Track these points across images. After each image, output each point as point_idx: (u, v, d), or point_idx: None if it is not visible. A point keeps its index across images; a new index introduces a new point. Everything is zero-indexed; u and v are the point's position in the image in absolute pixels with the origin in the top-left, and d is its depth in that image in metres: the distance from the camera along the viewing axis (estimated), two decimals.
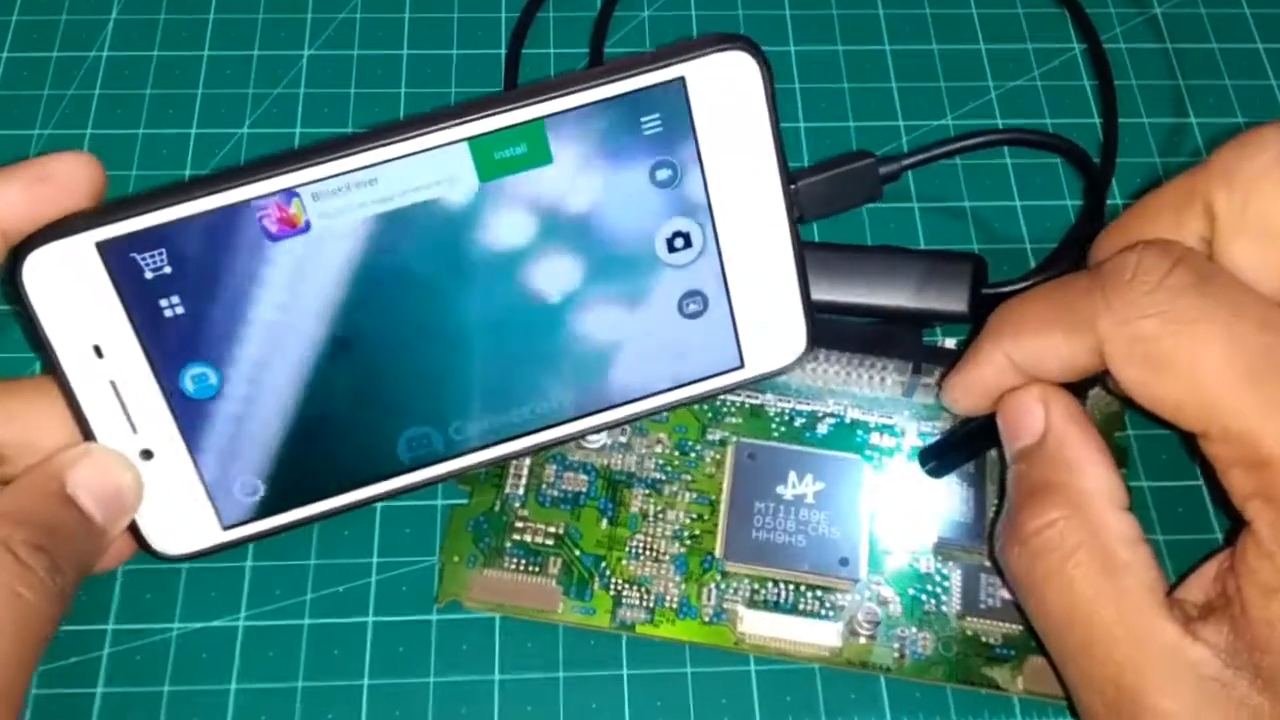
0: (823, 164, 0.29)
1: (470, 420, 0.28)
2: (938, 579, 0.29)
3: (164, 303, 0.25)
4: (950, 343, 0.31)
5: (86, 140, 0.36)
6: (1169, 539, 0.30)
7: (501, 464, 0.29)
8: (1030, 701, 0.28)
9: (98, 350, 0.25)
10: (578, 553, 0.29)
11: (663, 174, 0.26)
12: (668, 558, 0.29)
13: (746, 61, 0.26)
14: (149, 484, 0.27)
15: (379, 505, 0.30)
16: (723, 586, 0.29)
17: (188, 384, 0.26)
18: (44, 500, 0.25)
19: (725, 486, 0.30)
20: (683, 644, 0.28)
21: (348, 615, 0.29)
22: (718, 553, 0.29)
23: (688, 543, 0.29)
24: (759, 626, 0.28)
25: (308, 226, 0.25)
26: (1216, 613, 0.24)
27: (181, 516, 0.27)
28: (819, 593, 0.29)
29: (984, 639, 0.28)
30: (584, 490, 0.30)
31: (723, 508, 0.30)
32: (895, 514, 0.30)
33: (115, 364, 0.25)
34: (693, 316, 0.28)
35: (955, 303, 0.31)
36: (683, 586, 0.29)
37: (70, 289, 0.25)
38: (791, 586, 0.29)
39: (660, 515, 0.30)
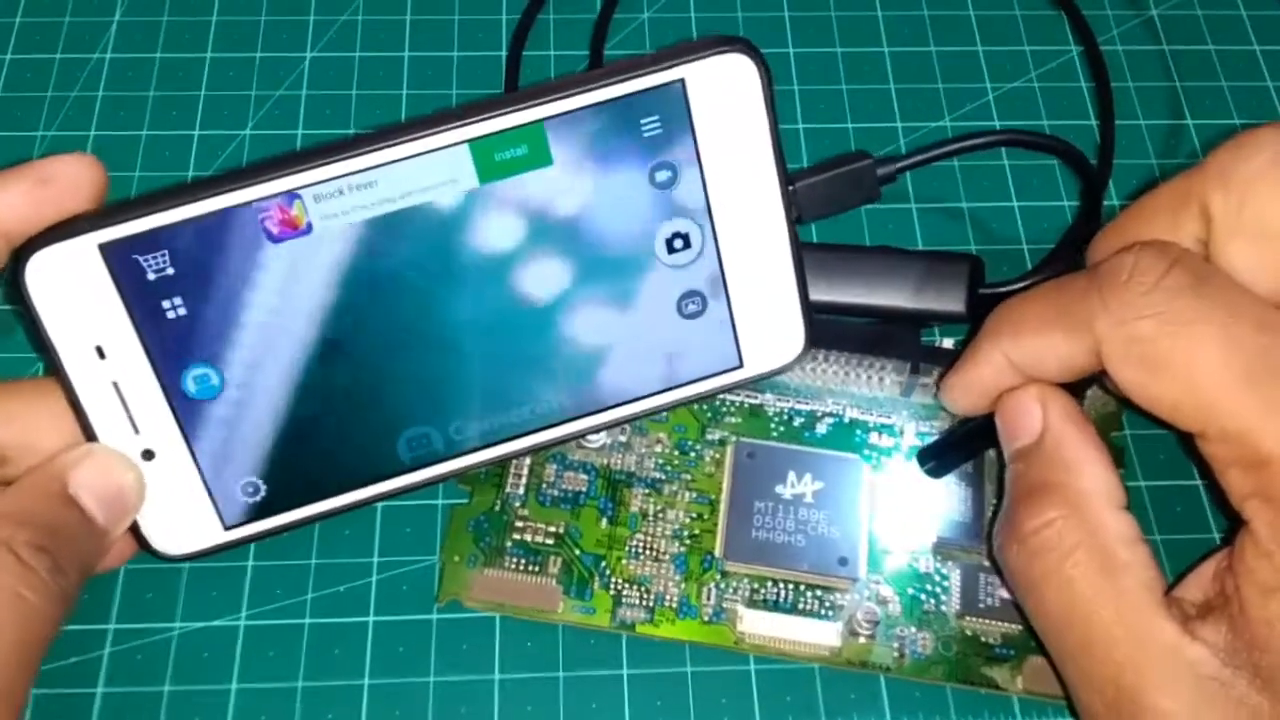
0: (821, 165, 0.29)
1: (470, 420, 0.28)
2: (937, 578, 0.29)
3: (166, 304, 0.25)
4: (948, 342, 0.31)
5: (90, 142, 0.36)
6: (1166, 539, 0.30)
7: (502, 464, 0.30)
8: (1030, 701, 0.28)
9: (100, 351, 0.25)
10: (578, 552, 0.29)
11: (662, 175, 0.26)
12: (667, 557, 0.29)
13: (745, 64, 0.26)
14: (150, 484, 0.27)
15: (379, 505, 0.30)
16: (722, 586, 0.29)
17: (189, 385, 0.26)
18: (46, 501, 0.25)
19: (725, 486, 0.30)
20: (682, 643, 0.29)
21: (348, 615, 0.29)
22: (717, 552, 0.29)
23: (687, 542, 0.29)
24: (758, 626, 0.28)
25: (309, 228, 0.25)
26: (1215, 612, 0.24)
27: (183, 517, 0.27)
28: (818, 592, 0.29)
29: (983, 638, 0.28)
30: (584, 490, 0.30)
31: (722, 507, 0.30)
32: (894, 514, 0.30)
33: (117, 365, 0.26)
34: (692, 317, 0.28)
35: (953, 303, 0.31)
36: (682, 586, 0.29)
37: (73, 290, 0.25)
38: (791, 586, 0.29)
39: (660, 515, 0.30)
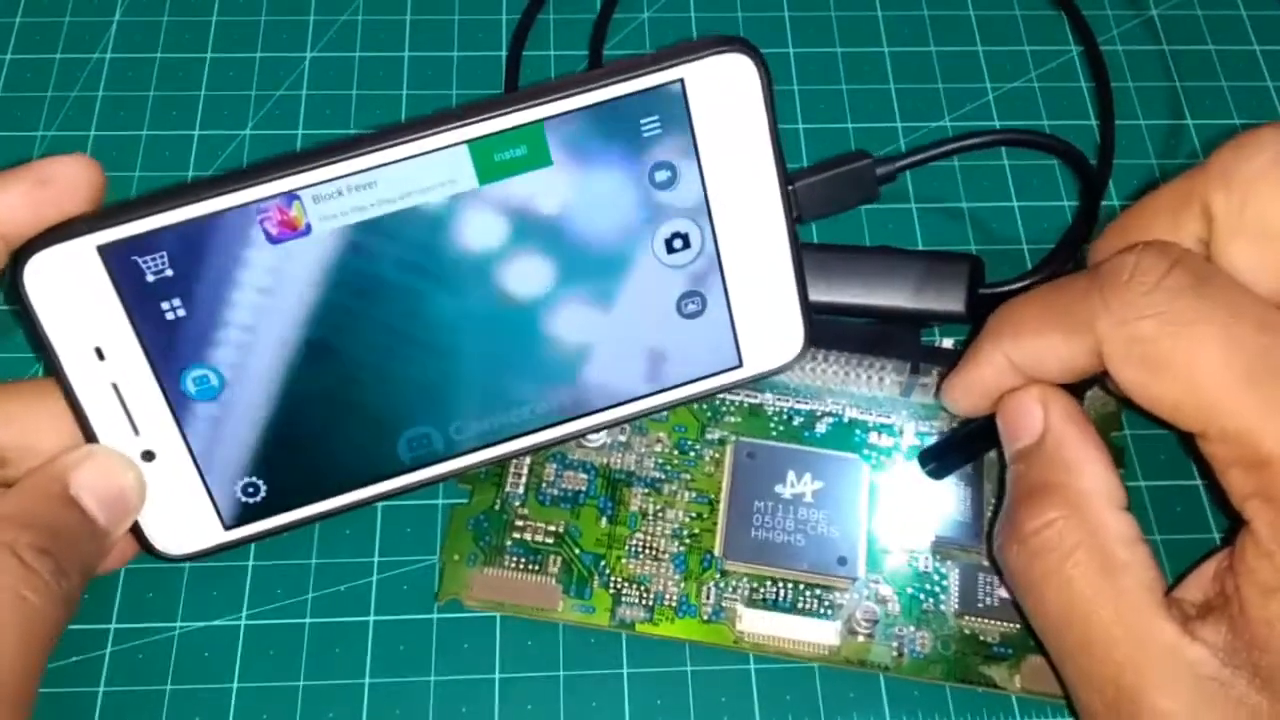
0: (820, 165, 0.29)
1: (470, 420, 0.28)
2: (936, 578, 0.29)
3: (165, 305, 0.25)
4: (948, 343, 0.31)
5: (90, 142, 0.36)
6: (1166, 539, 0.30)
7: (502, 463, 0.30)
8: (1029, 700, 0.28)
9: (99, 353, 0.25)
10: (577, 551, 0.29)
11: (661, 175, 0.26)
12: (667, 556, 0.29)
13: (745, 63, 0.26)
14: (151, 485, 0.27)
15: (380, 505, 0.30)
16: (722, 585, 0.29)
17: (189, 386, 0.26)
18: (47, 502, 0.25)
19: (724, 485, 0.30)
20: (682, 642, 0.29)
21: (349, 614, 0.29)
22: (717, 551, 0.29)
23: (687, 541, 0.29)
24: (758, 625, 0.28)
25: (309, 229, 0.25)
26: (1215, 612, 0.24)
27: (183, 517, 0.27)
28: (817, 591, 0.29)
29: (982, 638, 0.28)
30: (584, 489, 0.30)
31: (722, 507, 0.30)
32: (893, 513, 0.30)
33: (117, 366, 0.26)
34: (691, 317, 0.28)
35: (952, 303, 0.31)
36: (682, 585, 0.29)
37: (72, 292, 0.25)
38: (790, 585, 0.29)
39: (660, 514, 0.30)
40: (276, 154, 0.25)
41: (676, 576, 0.29)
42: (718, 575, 0.29)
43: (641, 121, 0.26)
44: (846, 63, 0.39)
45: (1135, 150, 0.37)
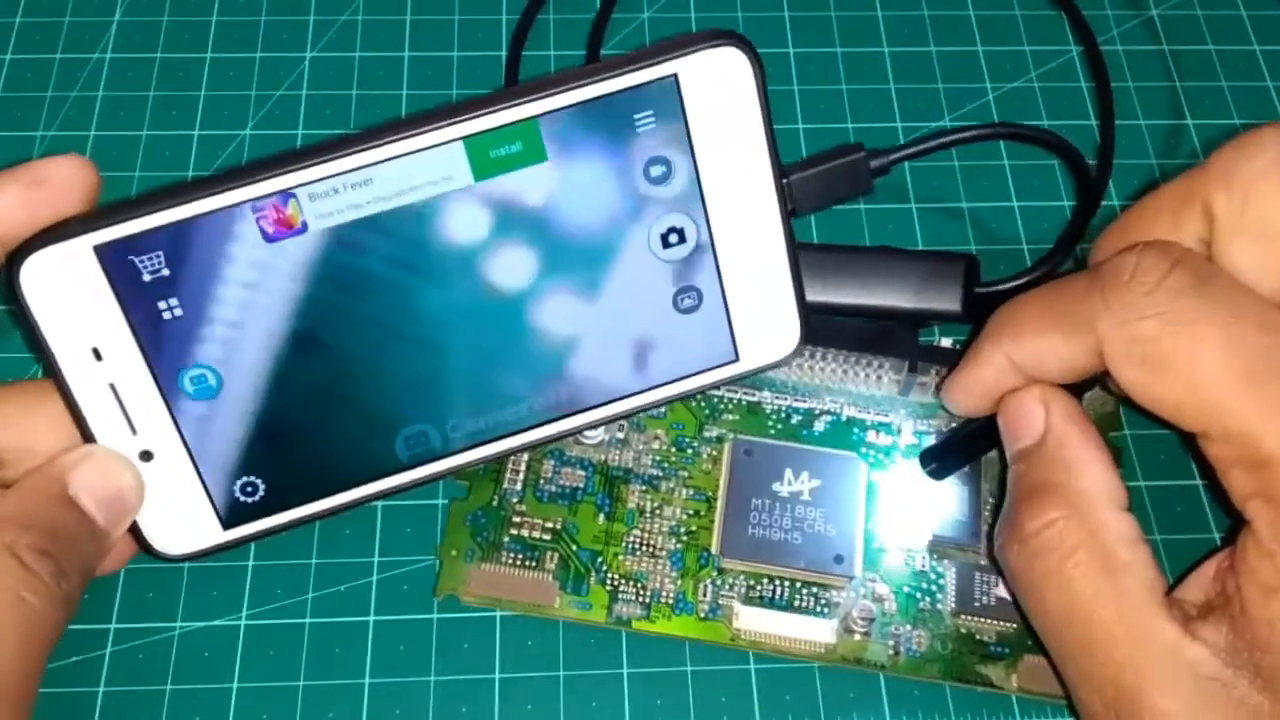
0: (814, 158, 0.29)
1: (467, 417, 0.28)
2: (933, 577, 0.29)
3: (162, 305, 0.25)
4: (946, 341, 0.31)
5: (90, 142, 0.36)
6: (1166, 539, 0.30)
7: (499, 460, 0.30)
8: (1029, 700, 0.28)
9: (96, 353, 0.25)
10: (575, 548, 0.29)
11: (656, 170, 0.26)
12: (664, 553, 0.29)
13: (738, 57, 0.26)
14: (149, 485, 0.27)
15: (380, 504, 0.30)
16: (718, 583, 0.29)
17: (187, 385, 0.26)
18: (46, 503, 0.25)
19: (722, 483, 0.30)
20: (678, 639, 0.29)
21: (349, 614, 0.29)
22: (714, 549, 0.29)
23: (684, 539, 0.29)
24: (754, 623, 0.28)
25: (304, 227, 0.25)
26: (1216, 612, 0.24)
27: (182, 517, 0.27)
28: (814, 589, 0.29)
29: (978, 637, 0.28)
30: (581, 486, 0.30)
31: (719, 504, 0.30)
32: (891, 512, 0.30)
33: (114, 366, 0.26)
34: (688, 311, 0.28)
35: (949, 302, 0.31)
36: (679, 582, 0.29)
37: (68, 292, 0.25)
38: (787, 583, 0.29)
39: (657, 511, 0.30)
40: (272, 152, 0.25)
41: (673, 574, 0.29)
42: (714, 573, 0.29)
43: (636, 116, 0.26)
44: (846, 63, 0.39)
45: (1135, 150, 0.37)
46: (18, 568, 0.24)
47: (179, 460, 0.27)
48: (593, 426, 0.29)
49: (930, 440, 0.31)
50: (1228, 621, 0.24)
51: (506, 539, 0.29)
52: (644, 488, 0.30)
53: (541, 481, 0.30)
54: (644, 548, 0.29)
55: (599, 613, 0.29)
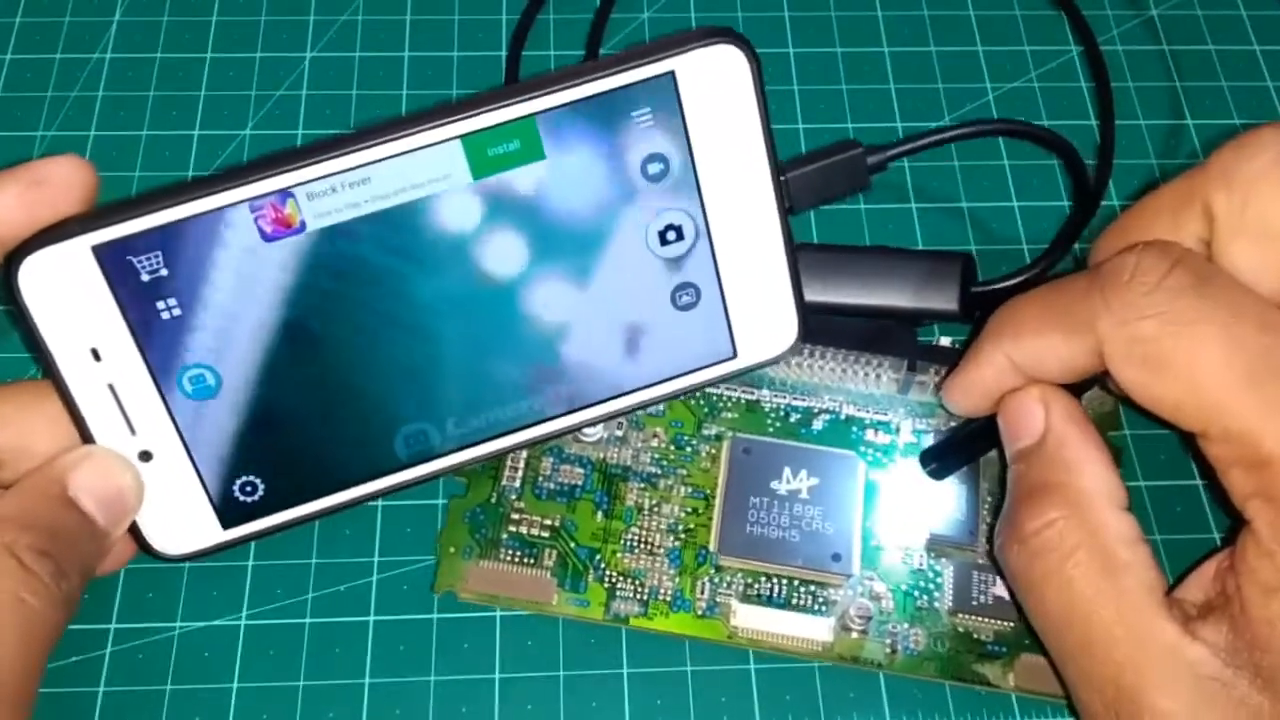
0: (811, 154, 0.29)
1: (466, 416, 0.28)
2: (930, 575, 0.29)
3: (160, 305, 0.25)
4: (945, 341, 0.31)
5: (90, 142, 0.36)
6: (1166, 539, 0.30)
7: (498, 458, 0.30)
8: (1029, 700, 0.28)
9: (95, 353, 0.25)
10: (573, 545, 0.29)
11: (654, 168, 0.26)
12: (662, 551, 0.29)
13: (735, 55, 0.26)
14: (149, 485, 0.27)
15: (380, 504, 0.30)
16: (716, 580, 0.29)
17: (185, 385, 0.26)
18: (46, 504, 0.25)
19: (720, 481, 0.30)
20: (676, 637, 0.29)
21: (349, 614, 0.29)
22: (712, 547, 0.29)
23: (682, 536, 0.29)
24: (752, 620, 0.28)
25: (303, 226, 0.25)
26: (1216, 612, 0.24)
27: (181, 517, 0.27)
28: (812, 588, 0.29)
29: (975, 635, 0.28)
30: (580, 483, 0.30)
31: (717, 502, 0.30)
32: (889, 510, 0.30)
33: (113, 366, 0.26)
34: (686, 308, 0.28)
35: (946, 302, 0.31)
36: (676, 580, 0.29)
37: (67, 293, 0.25)
38: (785, 581, 0.29)
39: (655, 509, 0.30)
40: (270, 151, 0.25)
41: (671, 571, 0.29)
42: (712, 570, 0.29)
43: (633, 114, 0.26)
44: (846, 63, 0.39)
45: (1135, 150, 0.37)
46: (17, 568, 0.24)
47: (178, 460, 0.27)
48: (591, 424, 0.29)
49: (929, 439, 0.31)
50: (1228, 621, 0.24)
51: (505, 536, 0.29)
52: (642, 485, 0.30)
53: (540, 479, 0.30)
54: (642, 545, 0.29)
55: (596, 610, 0.29)
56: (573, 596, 0.29)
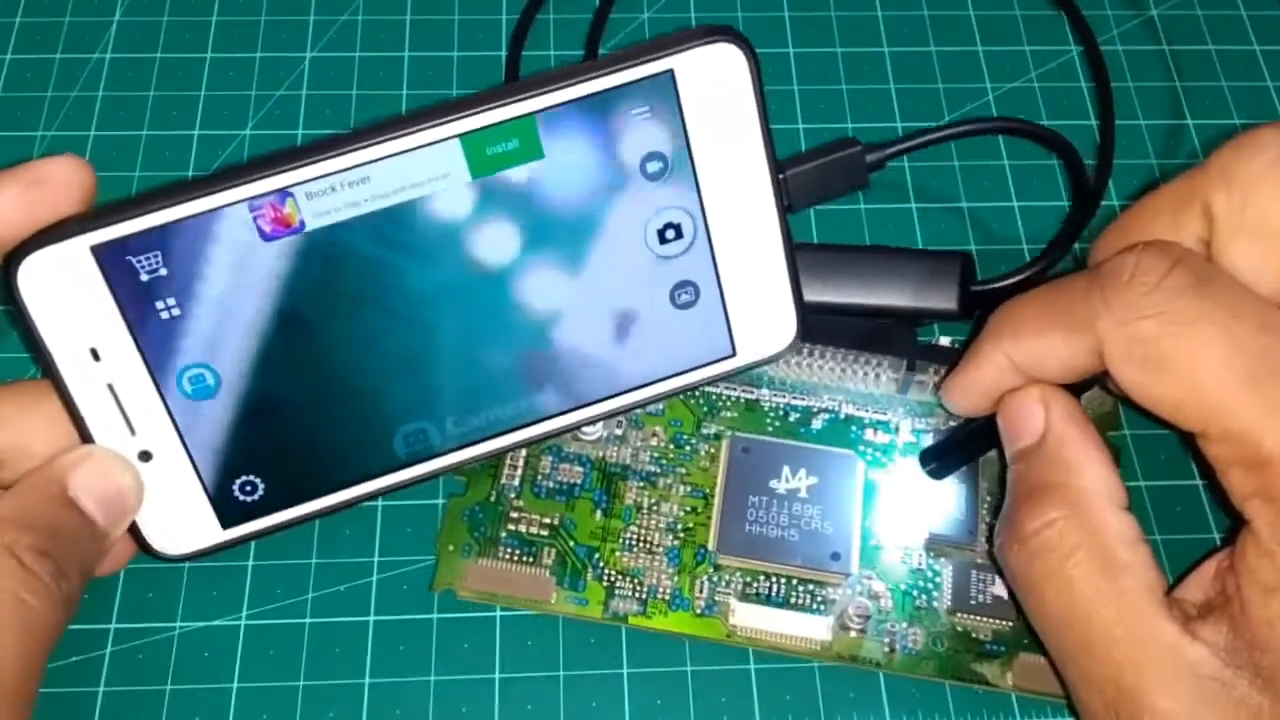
0: (810, 152, 0.29)
1: (466, 415, 0.28)
2: (929, 575, 0.29)
3: (160, 304, 0.25)
4: (945, 340, 0.31)
5: (90, 142, 0.36)
6: (1166, 539, 0.30)
7: (497, 456, 0.30)
8: (1029, 700, 0.28)
9: (94, 353, 0.25)
10: (572, 543, 0.29)
11: (653, 166, 0.26)
12: (661, 550, 0.29)
13: (734, 53, 0.26)
14: (148, 485, 0.27)
15: (380, 505, 0.30)
16: (715, 579, 0.29)
17: (185, 385, 0.26)
18: (46, 504, 0.25)
19: (719, 480, 0.30)
20: (674, 636, 0.29)
21: (349, 614, 0.29)
22: (711, 545, 0.29)
23: (681, 535, 0.29)
24: (750, 619, 0.28)
25: (302, 226, 0.25)
26: (1216, 612, 0.24)
27: (181, 517, 0.27)
28: (810, 587, 0.29)
29: (974, 635, 0.28)
30: (579, 482, 0.30)
31: (716, 501, 0.30)
32: (888, 510, 0.30)
33: (112, 366, 0.26)
34: (685, 307, 0.28)
35: (946, 301, 0.31)
36: (675, 578, 0.29)
37: (66, 293, 0.25)
38: (783, 580, 0.29)
39: (654, 508, 0.30)
40: (269, 150, 0.25)
41: (670, 570, 0.29)
42: (711, 569, 0.29)
43: (632, 113, 0.26)
44: (846, 63, 0.39)
45: (1135, 150, 0.37)
46: (17, 568, 0.24)
47: (178, 460, 0.27)
48: (590, 422, 0.29)
49: (928, 439, 0.31)
50: (1227, 621, 0.24)
51: (504, 534, 0.29)
52: (642, 484, 0.30)
53: (539, 477, 0.30)
54: (641, 544, 0.29)
55: (595, 608, 0.29)
56: (571, 595, 0.29)
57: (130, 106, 0.37)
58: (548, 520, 0.30)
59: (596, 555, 0.29)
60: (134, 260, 0.25)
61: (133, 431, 0.26)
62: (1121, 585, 0.24)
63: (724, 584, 0.29)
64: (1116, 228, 0.28)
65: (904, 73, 0.38)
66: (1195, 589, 0.25)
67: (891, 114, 0.37)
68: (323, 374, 0.27)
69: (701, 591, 0.29)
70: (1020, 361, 0.27)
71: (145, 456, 0.26)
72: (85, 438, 0.26)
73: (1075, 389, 0.27)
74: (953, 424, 0.31)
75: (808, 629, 0.28)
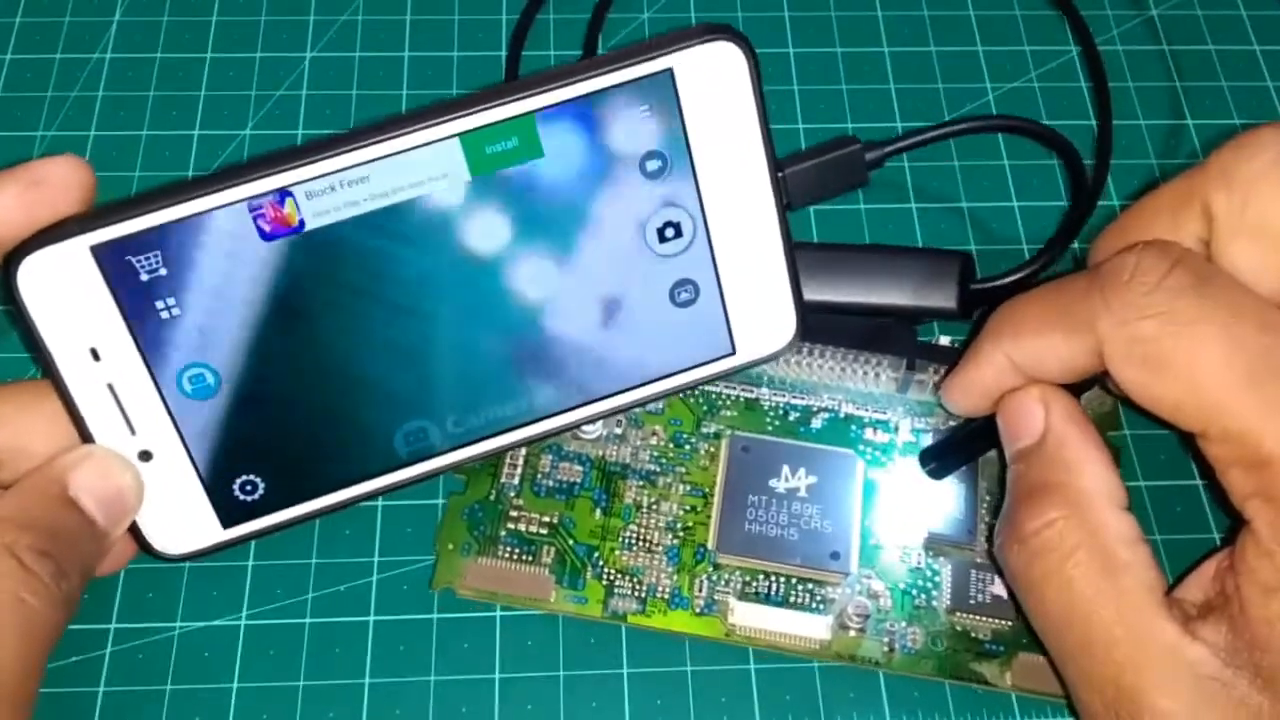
0: (809, 151, 0.29)
1: (465, 413, 0.28)
2: (928, 574, 0.29)
3: (159, 304, 0.25)
4: (945, 340, 0.31)
5: (90, 142, 0.36)
6: (1166, 539, 0.30)
7: (498, 455, 0.30)
8: (1029, 700, 0.28)
9: (94, 353, 0.25)
10: (571, 542, 0.29)
11: (652, 165, 0.26)
12: (660, 549, 0.29)
13: (733, 51, 0.26)
14: (148, 485, 0.27)
15: (380, 505, 0.30)
16: (714, 578, 0.29)
17: (185, 384, 0.26)
18: (47, 504, 0.25)
19: (719, 479, 0.30)
20: (673, 635, 0.29)
21: (349, 614, 0.29)
22: (710, 544, 0.29)
23: (680, 534, 0.29)
24: (749, 618, 0.28)
25: (301, 225, 0.25)
26: (1215, 612, 0.24)
27: (181, 516, 0.27)
28: (810, 586, 0.29)
29: (973, 634, 0.28)
30: (579, 481, 0.30)
31: (716, 500, 0.30)
32: (887, 509, 0.30)
33: (112, 366, 0.26)
34: (684, 305, 0.28)
35: (945, 299, 0.31)
36: (674, 577, 0.29)
37: (66, 293, 0.25)
38: (782, 579, 0.29)
39: (654, 506, 0.30)
40: (268, 150, 0.25)
41: (669, 569, 0.29)
42: (710, 568, 0.29)
43: (631, 111, 0.26)
44: (846, 63, 0.39)
45: (1135, 150, 0.37)
46: (18, 568, 0.24)
47: (178, 459, 0.27)
48: (591, 421, 0.29)
49: (928, 438, 0.31)
50: (1227, 621, 0.24)
51: (503, 533, 0.29)
52: (641, 483, 0.30)
53: (539, 476, 0.30)
54: (640, 543, 0.29)
55: (594, 607, 0.29)
56: (571, 594, 0.29)
57: (130, 106, 0.37)
58: (547, 519, 0.30)
59: (596, 554, 0.29)
60: (134, 260, 0.25)
61: (133, 431, 0.26)
62: (1121, 585, 0.24)
63: (723, 583, 0.29)
64: (1116, 228, 0.28)
65: (904, 73, 0.38)
66: (1195, 589, 0.25)
67: (891, 114, 0.37)
68: (323, 373, 0.27)
69: (701, 590, 0.29)
70: (1020, 361, 0.27)
71: (145, 456, 0.26)
72: (85, 437, 0.26)
73: (1075, 389, 0.27)
74: (952, 424, 0.31)
75: (807, 628, 0.28)
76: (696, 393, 0.31)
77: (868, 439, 0.31)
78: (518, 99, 0.25)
